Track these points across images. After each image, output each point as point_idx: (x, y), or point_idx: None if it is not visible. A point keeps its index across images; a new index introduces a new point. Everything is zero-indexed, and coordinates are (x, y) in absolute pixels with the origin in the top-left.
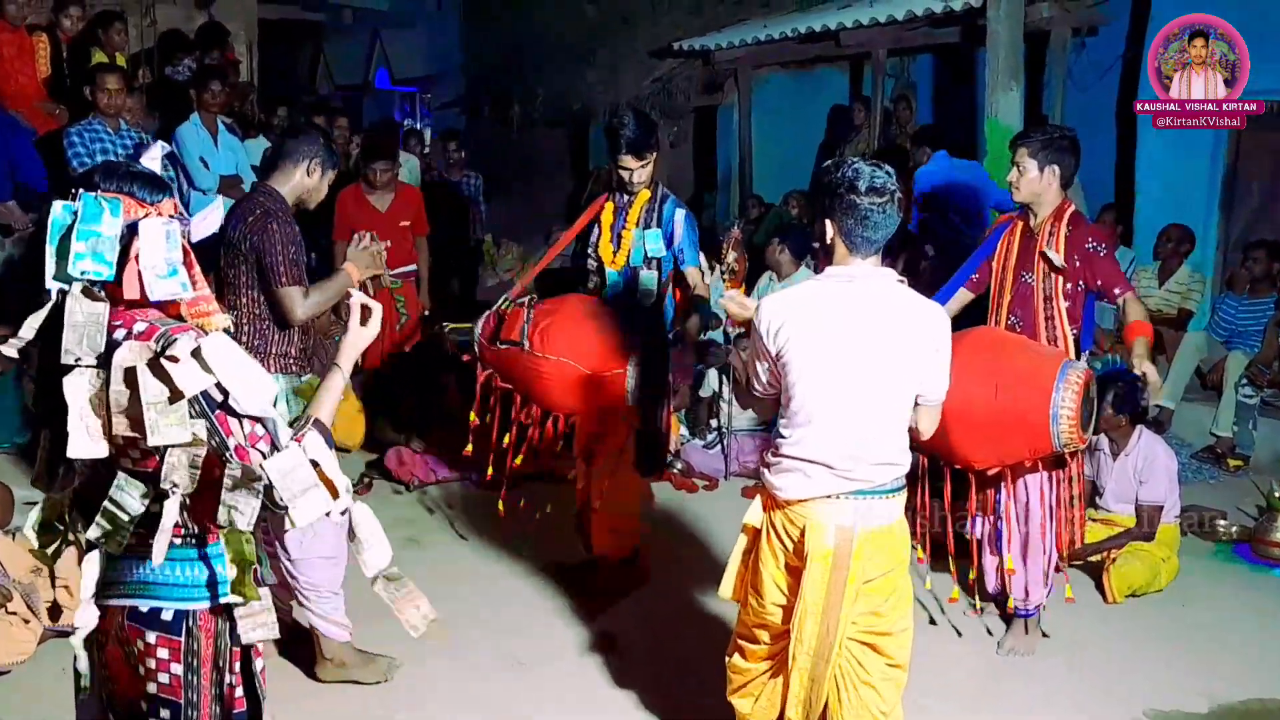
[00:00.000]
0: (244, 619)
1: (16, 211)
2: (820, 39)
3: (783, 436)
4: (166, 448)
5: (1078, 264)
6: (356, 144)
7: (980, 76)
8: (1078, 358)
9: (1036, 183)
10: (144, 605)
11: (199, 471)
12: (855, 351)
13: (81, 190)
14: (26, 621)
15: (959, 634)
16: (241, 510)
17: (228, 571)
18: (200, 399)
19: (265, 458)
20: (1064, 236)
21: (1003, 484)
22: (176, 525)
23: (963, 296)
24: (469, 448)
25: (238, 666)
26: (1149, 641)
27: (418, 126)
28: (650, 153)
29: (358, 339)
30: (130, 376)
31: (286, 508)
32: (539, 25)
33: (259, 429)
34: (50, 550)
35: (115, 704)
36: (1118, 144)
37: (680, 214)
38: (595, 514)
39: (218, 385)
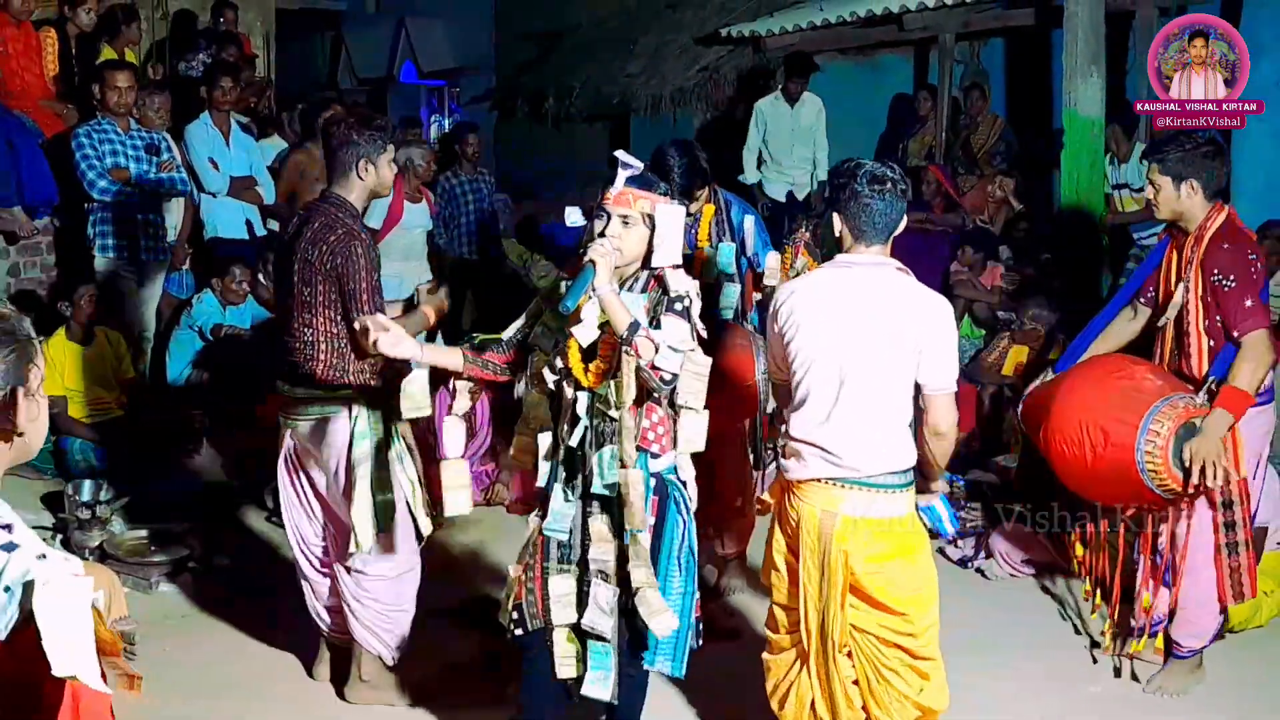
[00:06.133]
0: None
1: (22, 217)
2: (882, 22)
3: (788, 420)
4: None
5: (1207, 299)
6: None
7: (1057, 62)
8: (1198, 392)
9: (1175, 200)
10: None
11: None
12: (845, 335)
13: None
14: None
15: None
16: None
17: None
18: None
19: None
20: (1199, 264)
21: (1152, 518)
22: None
23: (1140, 314)
24: None
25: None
26: (1247, 685)
27: (444, 124)
28: (701, 189)
29: None
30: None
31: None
32: (575, 12)
33: None
34: None
35: None
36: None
37: (749, 221)
38: (732, 512)
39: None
